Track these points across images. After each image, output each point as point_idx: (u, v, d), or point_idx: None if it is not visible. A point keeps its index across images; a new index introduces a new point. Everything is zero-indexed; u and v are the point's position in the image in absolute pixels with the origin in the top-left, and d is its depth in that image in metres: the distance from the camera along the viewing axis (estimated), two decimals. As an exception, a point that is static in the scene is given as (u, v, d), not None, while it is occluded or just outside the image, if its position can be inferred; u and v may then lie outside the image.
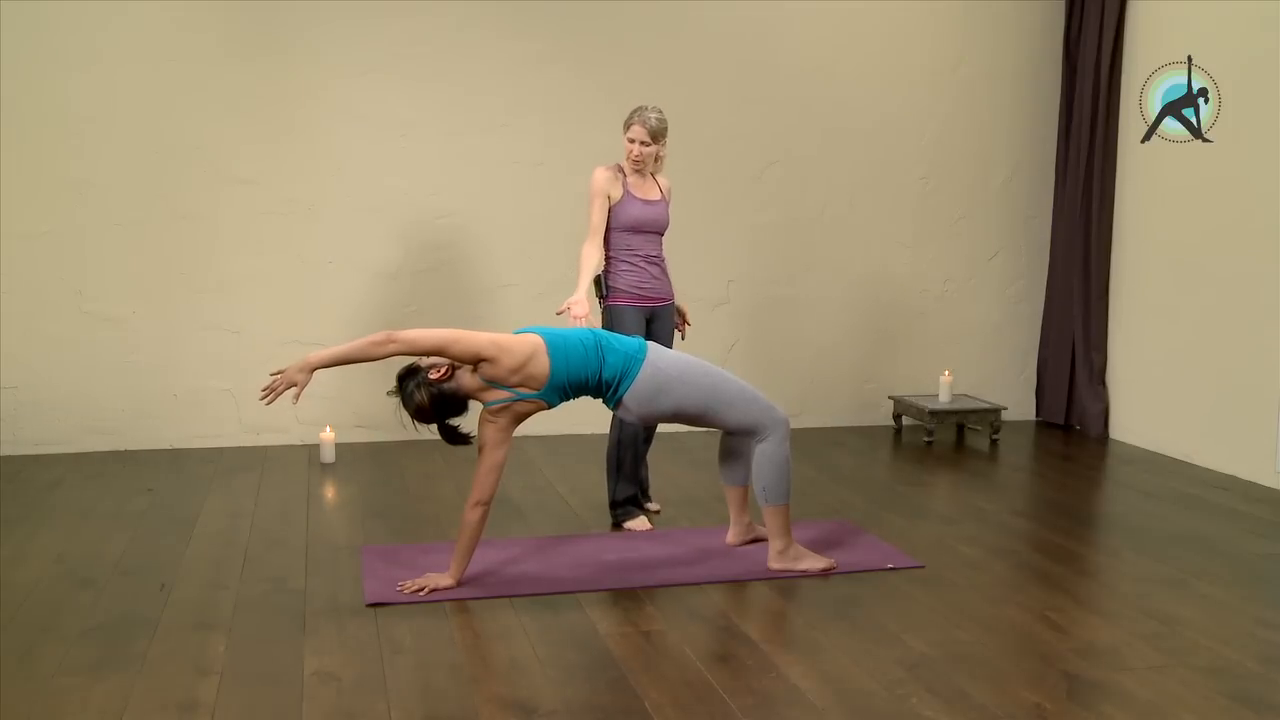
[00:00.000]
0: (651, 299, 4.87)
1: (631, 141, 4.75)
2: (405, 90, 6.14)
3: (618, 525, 4.85)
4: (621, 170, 4.84)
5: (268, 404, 3.92)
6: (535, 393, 3.97)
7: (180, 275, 6.02)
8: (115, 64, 5.84)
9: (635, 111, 4.77)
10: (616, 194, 4.78)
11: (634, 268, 4.82)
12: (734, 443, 4.39)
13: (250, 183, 6.04)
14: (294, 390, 3.84)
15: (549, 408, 4.07)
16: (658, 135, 4.76)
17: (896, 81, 6.68)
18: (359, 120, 6.11)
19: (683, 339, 5.10)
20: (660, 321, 4.90)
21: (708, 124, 6.46)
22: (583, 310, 4.55)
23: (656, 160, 4.88)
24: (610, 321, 4.80)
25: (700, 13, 6.40)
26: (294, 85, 6.03)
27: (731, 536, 4.52)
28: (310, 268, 6.15)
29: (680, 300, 5.12)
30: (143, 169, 5.92)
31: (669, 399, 4.07)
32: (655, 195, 4.88)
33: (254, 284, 6.09)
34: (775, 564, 4.22)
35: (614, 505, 4.89)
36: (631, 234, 4.81)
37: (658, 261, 4.89)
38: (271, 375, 3.88)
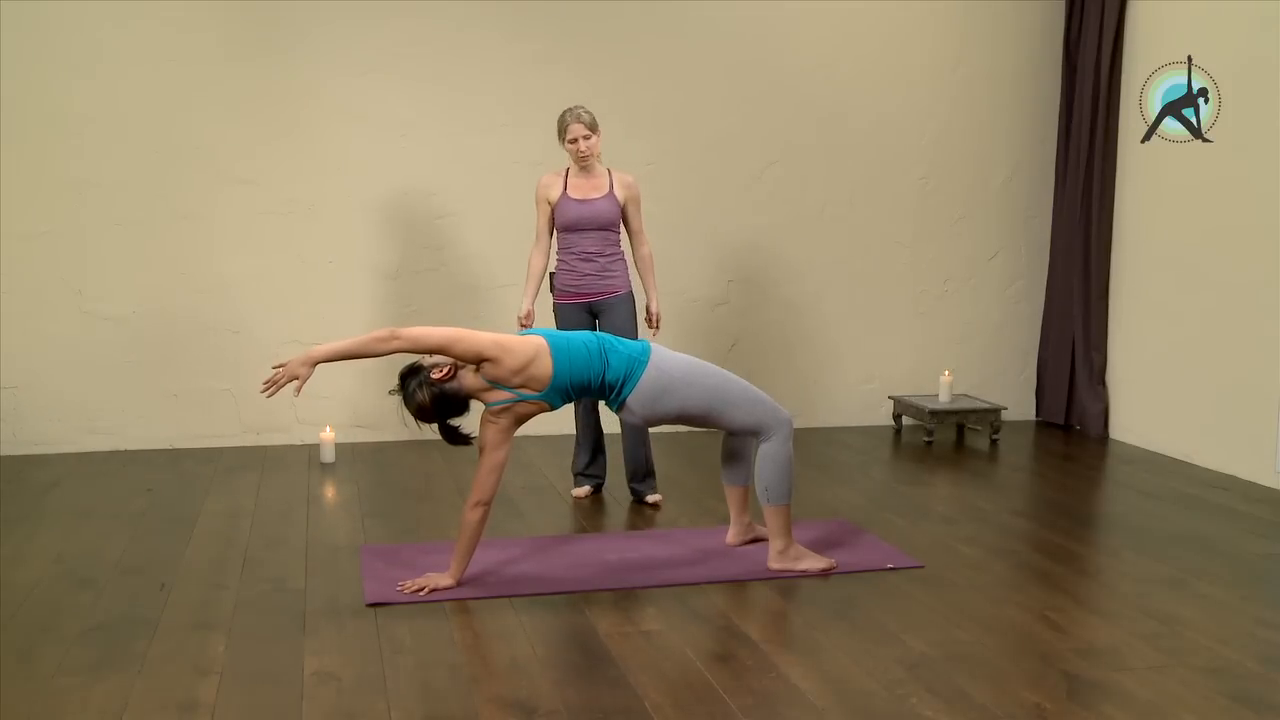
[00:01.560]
0: (587, 295, 5.00)
1: (573, 141, 4.92)
2: (405, 90, 6.15)
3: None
4: (567, 172, 5.02)
5: (268, 396, 3.92)
6: (537, 394, 3.97)
7: (180, 275, 6.02)
8: (116, 64, 5.85)
9: (566, 113, 4.95)
10: (554, 196, 5.01)
11: (567, 267, 5.02)
12: (736, 443, 4.39)
13: (250, 183, 6.04)
14: (295, 384, 3.84)
15: (551, 409, 4.07)
16: (594, 127, 4.93)
17: (896, 81, 6.68)
18: (359, 120, 6.11)
19: (652, 334, 5.11)
20: (608, 316, 5.00)
21: (707, 124, 6.46)
22: (524, 314, 5.04)
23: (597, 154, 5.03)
24: (555, 320, 5.06)
25: (700, 13, 6.40)
26: (294, 85, 6.04)
27: (731, 536, 4.52)
28: (310, 268, 6.15)
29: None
30: (143, 169, 5.92)
31: (673, 400, 4.07)
32: (598, 193, 4.98)
33: (254, 284, 6.09)
34: (775, 564, 4.22)
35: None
36: (568, 232, 5.00)
37: (595, 258, 4.98)
38: (273, 368, 3.88)
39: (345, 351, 3.87)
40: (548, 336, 4.04)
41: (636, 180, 5.12)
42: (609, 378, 4.04)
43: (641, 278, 5.15)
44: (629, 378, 4.04)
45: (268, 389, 3.86)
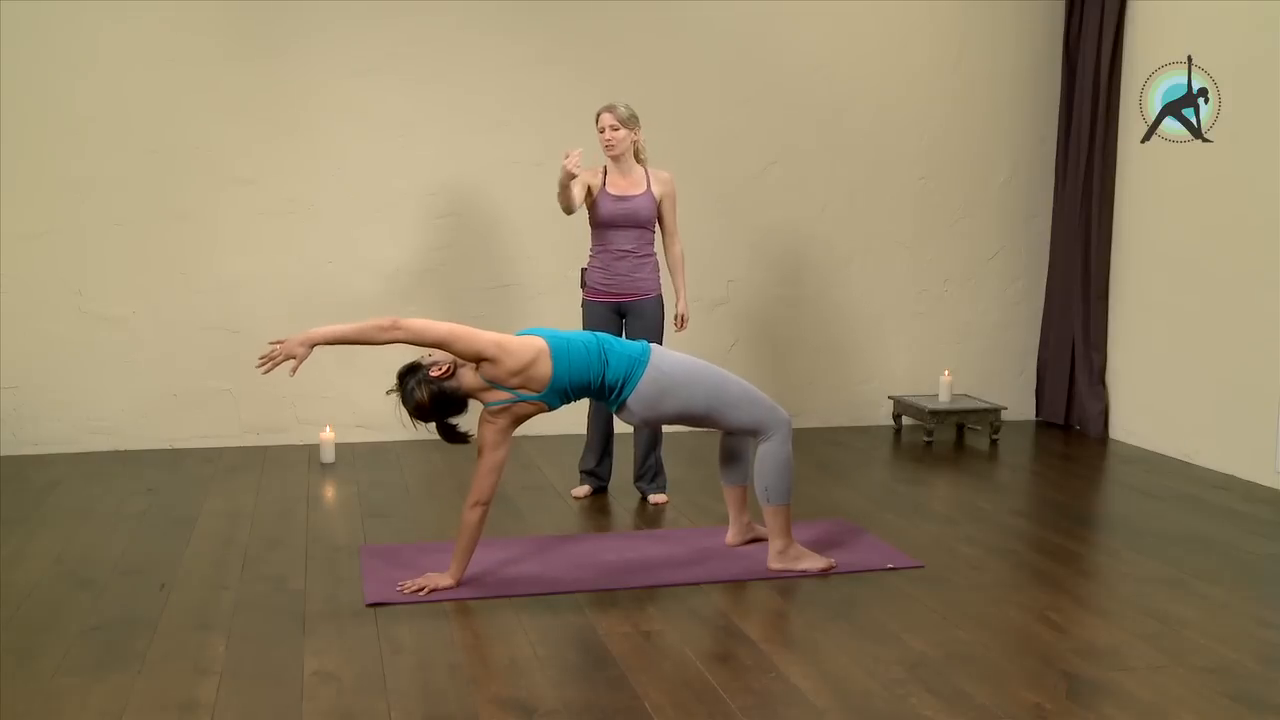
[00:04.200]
0: (618, 295, 4.98)
1: (602, 130, 4.91)
2: (405, 90, 6.15)
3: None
4: (605, 169, 5.00)
5: (264, 373, 3.87)
6: (536, 395, 3.97)
7: (180, 275, 6.02)
8: (116, 64, 5.85)
9: (603, 105, 4.95)
10: (594, 185, 4.95)
11: (599, 264, 5.00)
12: (733, 443, 4.40)
13: (250, 183, 6.04)
14: (292, 363, 3.81)
15: (550, 409, 4.06)
16: (627, 122, 4.90)
17: (896, 81, 6.68)
18: (359, 120, 6.11)
19: (676, 330, 5.12)
20: (636, 317, 4.99)
21: (707, 124, 6.46)
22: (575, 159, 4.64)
23: (638, 152, 5.00)
24: (583, 316, 5.02)
25: (699, 13, 6.40)
26: (294, 85, 6.04)
27: (731, 536, 4.51)
28: (310, 268, 6.15)
29: (687, 302, 5.14)
30: (143, 169, 5.92)
31: (673, 401, 4.07)
32: (636, 190, 4.96)
33: (254, 284, 6.09)
34: (775, 564, 4.22)
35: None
36: (604, 229, 4.98)
37: (627, 256, 4.97)
38: (270, 344, 3.85)
39: (345, 336, 3.83)
40: (548, 337, 4.04)
41: (674, 177, 5.10)
42: (609, 378, 4.04)
43: (672, 276, 5.13)
44: (629, 379, 4.04)
45: (264, 365, 3.82)
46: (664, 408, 4.08)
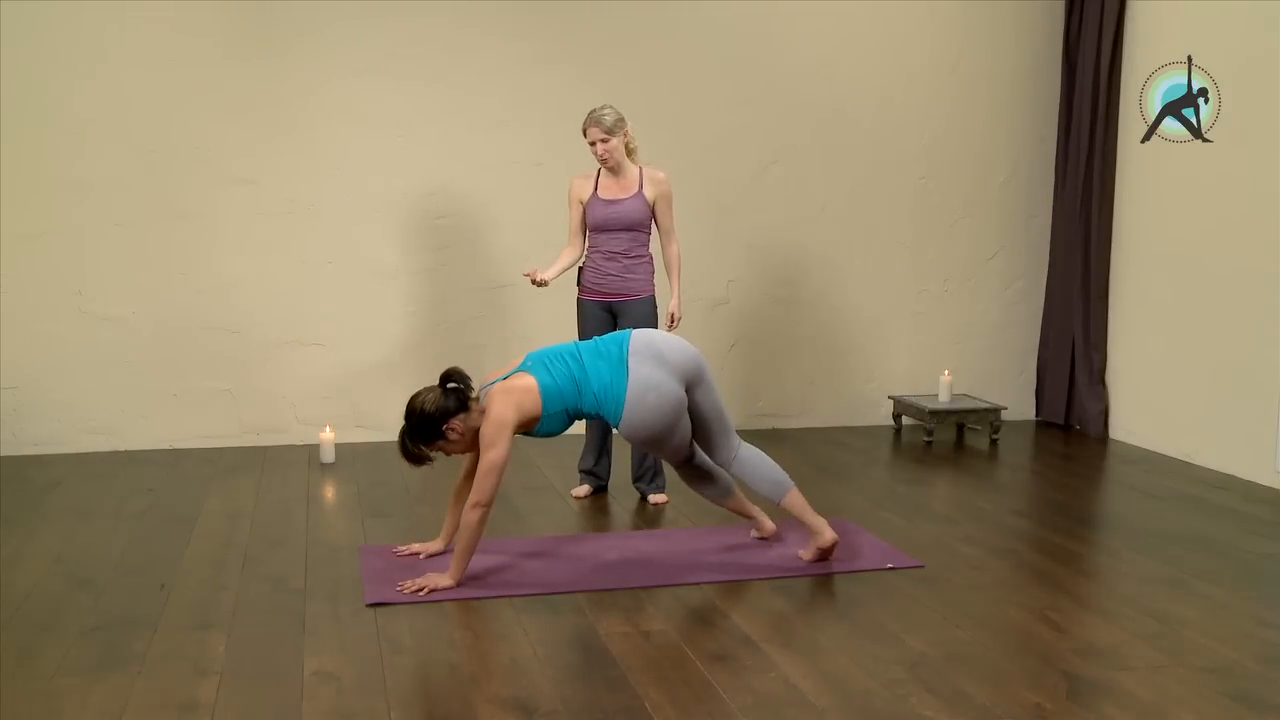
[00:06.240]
0: (608, 295, 5.01)
1: (592, 144, 4.92)
2: (404, 90, 6.15)
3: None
4: (599, 173, 5.03)
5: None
6: (521, 366, 4.09)
7: (180, 275, 6.02)
8: (115, 64, 5.85)
9: (587, 116, 4.93)
10: (585, 196, 5.03)
11: (592, 265, 5.04)
12: (699, 465, 4.39)
13: (250, 183, 6.04)
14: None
15: (544, 399, 4.03)
16: (614, 129, 4.89)
17: (895, 81, 6.68)
18: (359, 120, 6.11)
19: (667, 329, 5.15)
20: (626, 318, 5.00)
21: (707, 124, 6.46)
22: (533, 270, 5.00)
23: (630, 152, 5.01)
24: (577, 315, 5.11)
25: (699, 13, 6.40)
26: (293, 85, 6.04)
27: (762, 530, 4.53)
28: (310, 268, 6.15)
29: (680, 302, 5.14)
30: (142, 169, 5.92)
31: (670, 357, 4.11)
32: (626, 193, 4.98)
33: (254, 284, 6.09)
34: (831, 537, 4.24)
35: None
36: (597, 233, 5.01)
37: (620, 257, 4.99)
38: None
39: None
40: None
41: (669, 176, 5.09)
42: (616, 339, 4.15)
43: (668, 276, 5.14)
44: (622, 341, 4.13)
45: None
46: (668, 361, 4.09)
